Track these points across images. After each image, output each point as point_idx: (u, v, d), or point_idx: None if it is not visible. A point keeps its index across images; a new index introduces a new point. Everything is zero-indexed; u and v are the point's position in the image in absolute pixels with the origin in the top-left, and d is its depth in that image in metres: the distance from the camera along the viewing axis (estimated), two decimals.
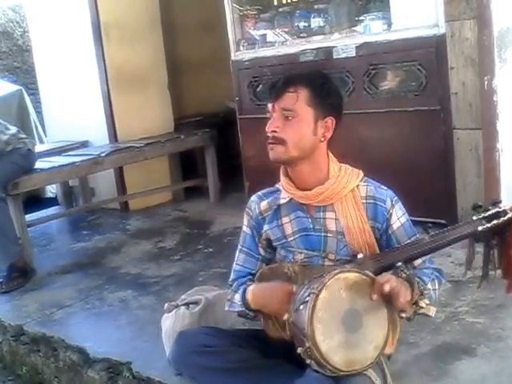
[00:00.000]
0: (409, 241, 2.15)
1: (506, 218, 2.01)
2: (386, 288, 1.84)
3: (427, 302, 2.05)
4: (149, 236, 4.88)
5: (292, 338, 1.96)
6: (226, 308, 2.34)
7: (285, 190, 2.22)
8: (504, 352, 2.55)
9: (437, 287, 2.17)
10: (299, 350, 1.86)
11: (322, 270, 2.07)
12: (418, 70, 3.97)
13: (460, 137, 3.84)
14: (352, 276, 1.89)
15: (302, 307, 1.86)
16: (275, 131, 2.11)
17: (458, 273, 3.35)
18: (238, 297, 2.27)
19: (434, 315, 2.10)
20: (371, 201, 2.16)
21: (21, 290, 3.99)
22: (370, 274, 1.92)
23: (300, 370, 1.96)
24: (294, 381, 1.95)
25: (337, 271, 1.89)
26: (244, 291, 2.24)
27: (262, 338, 2.23)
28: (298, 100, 2.10)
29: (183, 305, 2.73)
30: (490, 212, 2.02)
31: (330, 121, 2.14)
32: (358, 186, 2.18)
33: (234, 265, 2.39)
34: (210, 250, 4.38)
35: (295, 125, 2.10)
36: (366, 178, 2.21)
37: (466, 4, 3.64)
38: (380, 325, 1.91)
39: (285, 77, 2.18)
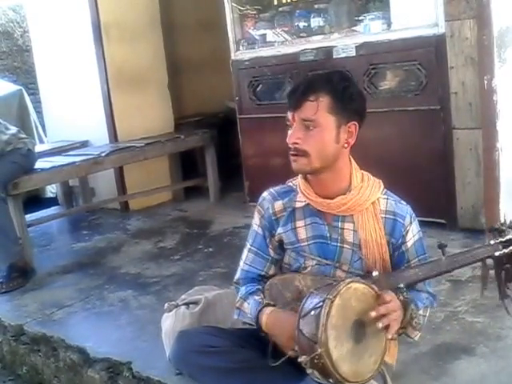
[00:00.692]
0: (417, 259, 2.15)
1: None
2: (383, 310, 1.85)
3: (413, 337, 2.10)
4: (149, 236, 4.88)
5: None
6: (235, 316, 2.28)
7: (303, 195, 2.16)
8: (503, 351, 2.56)
9: (427, 314, 2.16)
10: (303, 358, 1.82)
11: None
12: (418, 69, 3.98)
13: (460, 136, 3.85)
14: (361, 287, 1.87)
15: (313, 313, 1.82)
16: (297, 143, 2.04)
17: (458, 272, 3.34)
18: (247, 306, 2.21)
19: (417, 339, 2.12)
20: (391, 216, 2.12)
21: (21, 290, 4.00)
22: (375, 288, 1.90)
23: (300, 371, 1.95)
24: (293, 382, 1.96)
25: (349, 280, 1.87)
26: (258, 311, 2.15)
27: (263, 337, 2.22)
28: (319, 109, 2.01)
29: (183, 304, 2.73)
30: (508, 237, 2.02)
31: (354, 126, 2.07)
32: (378, 198, 2.13)
33: (242, 263, 2.31)
34: (210, 249, 4.38)
35: (317, 135, 2.02)
36: (385, 190, 2.17)
37: (465, 3, 3.64)
38: (379, 339, 1.90)
39: (304, 83, 2.09)
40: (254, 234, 2.29)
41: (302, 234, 2.18)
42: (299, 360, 1.84)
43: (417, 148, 4.06)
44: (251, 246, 2.30)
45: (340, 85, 2.06)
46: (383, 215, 2.13)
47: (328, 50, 4.36)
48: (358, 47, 4.20)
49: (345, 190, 2.11)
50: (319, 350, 1.78)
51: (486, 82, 3.56)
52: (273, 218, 2.23)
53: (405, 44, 3.98)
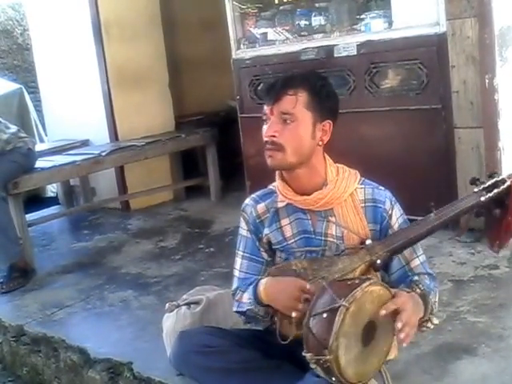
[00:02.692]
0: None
1: (505, 185, 2.11)
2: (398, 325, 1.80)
3: (436, 322, 2.07)
4: (150, 235, 4.88)
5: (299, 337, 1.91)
6: (234, 309, 2.27)
7: (282, 196, 2.18)
8: (505, 352, 2.54)
9: (436, 299, 2.14)
10: (308, 355, 1.81)
11: (330, 262, 2.05)
12: (419, 68, 3.96)
13: (461, 135, 3.83)
14: (377, 289, 1.84)
15: (325, 316, 1.79)
16: (274, 136, 2.07)
17: (460, 272, 3.35)
18: (246, 295, 2.19)
19: (437, 322, 2.10)
20: (370, 203, 2.14)
21: (21, 290, 3.99)
22: (391, 290, 1.88)
23: (301, 370, 1.95)
24: (294, 382, 1.95)
25: (366, 284, 1.82)
26: (256, 285, 2.15)
27: (263, 337, 2.21)
28: (298, 103, 2.05)
29: (184, 304, 2.72)
30: (489, 182, 2.12)
31: (328, 124, 2.11)
32: (355, 188, 2.15)
33: (237, 272, 2.30)
34: (212, 249, 4.37)
35: (294, 129, 2.05)
36: (362, 180, 2.19)
37: (466, 2, 3.63)
38: (387, 338, 1.89)
39: (283, 78, 2.13)
40: (245, 240, 2.29)
41: (288, 231, 2.20)
42: (303, 354, 1.82)
43: (418, 147, 4.05)
44: (244, 252, 2.29)
45: (317, 83, 2.12)
46: (363, 204, 2.14)
47: (329, 49, 4.35)
48: (360, 46, 4.19)
49: (321, 185, 2.13)
50: (328, 357, 1.75)
51: (487, 80, 3.57)
52: (257, 220, 2.25)
53: (406, 43, 3.97)
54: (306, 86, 2.08)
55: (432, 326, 2.08)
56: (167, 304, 2.78)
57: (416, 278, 2.09)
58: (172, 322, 2.67)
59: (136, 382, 2.74)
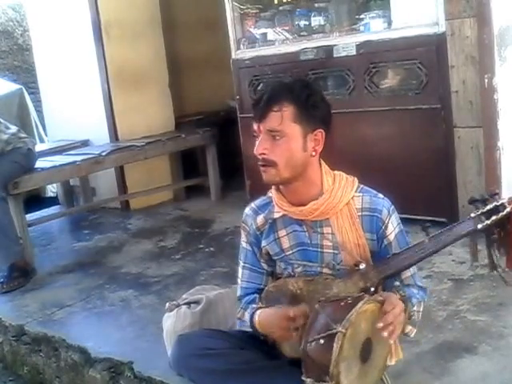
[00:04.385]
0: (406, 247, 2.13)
1: (504, 212, 1.98)
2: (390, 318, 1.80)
3: (410, 328, 2.06)
4: (150, 235, 4.88)
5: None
6: (238, 327, 2.29)
7: (278, 207, 2.17)
8: (506, 350, 2.55)
9: (421, 309, 2.13)
10: (308, 381, 1.80)
11: (325, 285, 2.05)
12: (419, 68, 3.97)
13: (461, 135, 3.84)
14: (370, 307, 1.82)
15: (322, 342, 1.77)
16: (264, 153, 2.05)
17: (460, 271, 3.36)
18: (247, 316, 2.22)
19: (412, 336, 2.09)
20: (367, 212, 2.11)
21: (22, 290, 3.99)
22: (381, 298, 1.87)
23: (301, 371, 1.95)
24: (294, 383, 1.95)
25: (360, 305, 1.79)
26: (252, 314, 2.18)
27: (263, 339, 2.22)
28: (284, 119, 2.01)
29: (184, 304, 2.72)
30: (488, 207, 1.98)
31: (320, 133, 2.07)
32: (353, 197, 2.12)
33: (240, 281, 2.32)
34: (212, 249, 4.37)
35: (283, 144, 2.02)
36: (361, 187, 2.15)
37: (465, 2, 3.64)
38: (384, 348, 1.89)
39: (267, 94, 2.07)
40: (245, 252, 2.31)
41: (286, 243, 2.19)
42: (303, 378, 1.82)
43: (418, 147, 4.05)
44: (244, 263, 2.31)
45: (303, 93, 2.05)
46: (360, 213, 2.11)
47: (328, 49, 4.35)
48: (359, 46, 4.20)
49: (317, 195, 2.10)
50: (330, 383, 1.75)
51: (486, 80, 3.57)
52: (257, 232, 2.25)
53: (405, 43, 3.98)
54: (291, 98, 2.03)
55: (410, 334, 2.09)
56: (167, 303, 2.77)
57: (397, 283, 2.07)
58: (172, 322, 2.67)
59: (137, 381, 2.74)
